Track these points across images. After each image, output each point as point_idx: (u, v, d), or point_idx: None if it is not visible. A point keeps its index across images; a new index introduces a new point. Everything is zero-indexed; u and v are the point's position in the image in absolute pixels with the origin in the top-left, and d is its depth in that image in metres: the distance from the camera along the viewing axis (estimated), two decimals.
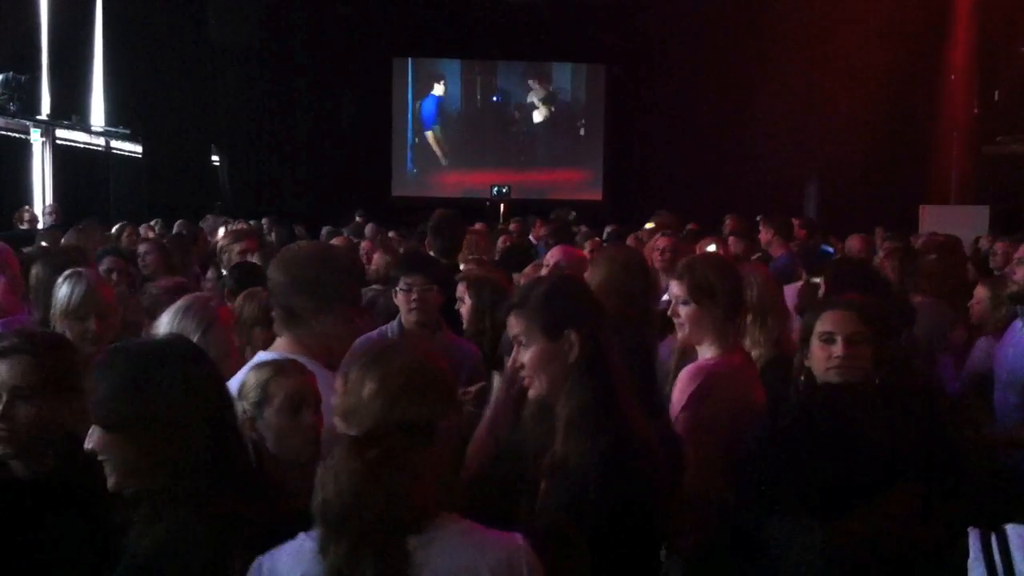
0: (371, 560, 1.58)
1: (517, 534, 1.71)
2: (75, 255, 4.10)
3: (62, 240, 5.98)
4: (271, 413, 2.19)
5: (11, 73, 9.82)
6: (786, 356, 3.07)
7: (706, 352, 2.70)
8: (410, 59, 16.63)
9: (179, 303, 2.79)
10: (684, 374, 2.60)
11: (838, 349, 2.49)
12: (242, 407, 2.20)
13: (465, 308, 3.87)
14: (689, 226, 8.20)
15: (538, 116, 16.95)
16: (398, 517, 1.60)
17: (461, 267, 4.94)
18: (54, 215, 9.22)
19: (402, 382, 1.72)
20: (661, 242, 5.02)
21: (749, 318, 3.02)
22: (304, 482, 2.15)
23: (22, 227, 8.31)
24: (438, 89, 16.77)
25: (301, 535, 1.67)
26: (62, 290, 3.05)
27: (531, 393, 2.14)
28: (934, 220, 10.81)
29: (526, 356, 2.11)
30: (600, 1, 14.98)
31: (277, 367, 2.28)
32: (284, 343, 2.61)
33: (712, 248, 5.41)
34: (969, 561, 1.62)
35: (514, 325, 2.14)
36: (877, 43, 14.07)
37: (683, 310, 2.73)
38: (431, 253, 4.89)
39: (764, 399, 2.62)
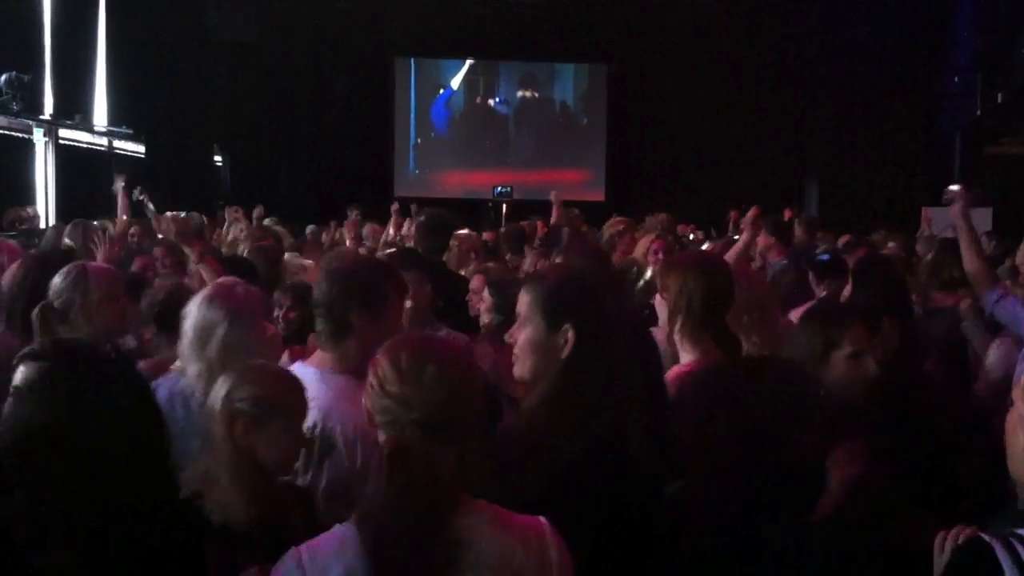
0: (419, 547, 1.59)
1: (541, 518, 1.72)
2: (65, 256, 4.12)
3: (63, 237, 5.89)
4: (277, 425, 2.17)
5: (14, 73, 9.83)
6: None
7: (685, 356, 2.69)
8: (412, 59, 16.63)
9: (204, 292, 2.77)
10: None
11: (872, 366, 2.46)
12: (228, 411, 2.19)
13: (485, 305, 3.91)
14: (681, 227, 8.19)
15: (539, 116, 16.95)
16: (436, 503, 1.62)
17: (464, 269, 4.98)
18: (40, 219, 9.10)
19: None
20: (656, 244, 5.07)
21: (745, 320, 2.99)
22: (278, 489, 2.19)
23: (22, 227, 8.27)
24: (438, 91, 16.79)
25: (339, 526, 1.66)
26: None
27: (514, 371, 2.11)
28: (936, 221, 10.79)
29: (520, 334, 2.09)
30: (601, 1, 14.98)
31: (285, 383, 2.27)
32: (323, 358, 2.59)
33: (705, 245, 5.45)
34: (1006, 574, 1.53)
35: (521, 300, 2.11)
36: (879, 43, 14.07)
37: (658, 303, 2.76)
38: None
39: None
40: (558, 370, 2.01)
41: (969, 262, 3.87)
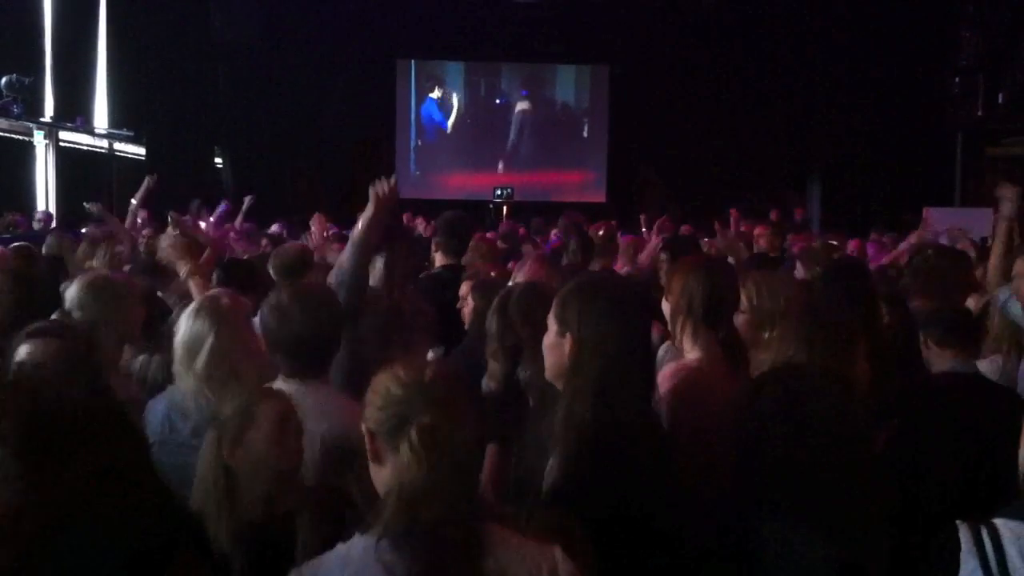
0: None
1: (554, 545, 1.71)
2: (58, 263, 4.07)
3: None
4: (255, 435, 2.17)
5: (15, 75, 9.84)
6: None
7: (689, 354, 2.69)
8: (413, 61, 16.65)
9: (192, 305, 2.78)
10: (662, 375, 2.58)
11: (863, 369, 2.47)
12: (215, 433, 2.19)
13: (468, 309, 3.90)
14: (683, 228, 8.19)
15: (541, 118, 16.95)
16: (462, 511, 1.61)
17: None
18: (43, 222, 9.02)
19: None
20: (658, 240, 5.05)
21: (776, 329, 2.84)
22: (280, 491, 2.17)
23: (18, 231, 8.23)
24: (437, 92, 16.80)
25: (353, 540, 1.62)
26: None
27: (546, 373, 2.27)
28: (937, 222, 10.77)
29: (546, 338, 2.26)
30: (603, 2, 14.98)
31: (261, 393, 2.30)
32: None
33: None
34: (962, 554, 1.63)
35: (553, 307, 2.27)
36: (880, 44, 14.07)
37: (664, 306, 2.78)
38: (441, 254, 4.91)
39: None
40: (566, 373, 2.18)
41: (995, 258, 4.00)
